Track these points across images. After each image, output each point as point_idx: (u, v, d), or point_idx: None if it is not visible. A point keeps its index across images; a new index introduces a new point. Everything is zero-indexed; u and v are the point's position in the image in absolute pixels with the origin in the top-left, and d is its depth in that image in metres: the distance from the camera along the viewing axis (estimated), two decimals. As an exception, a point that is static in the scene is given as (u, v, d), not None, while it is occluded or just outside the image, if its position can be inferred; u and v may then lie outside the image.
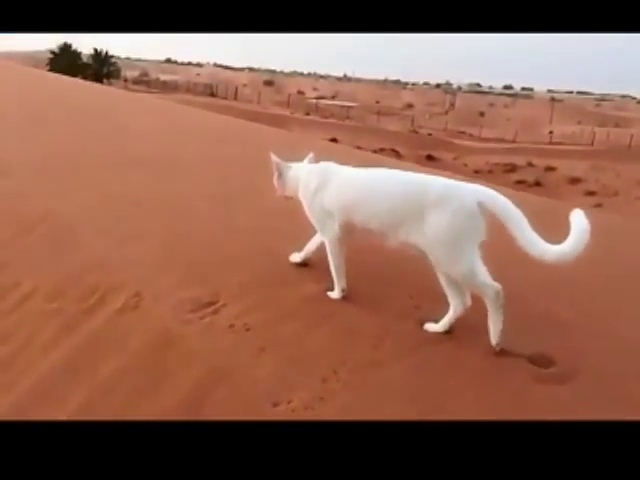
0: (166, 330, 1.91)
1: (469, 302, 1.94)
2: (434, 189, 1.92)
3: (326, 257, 2.14)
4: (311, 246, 2.31)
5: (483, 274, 1.86)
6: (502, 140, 35.36)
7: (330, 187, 2.12)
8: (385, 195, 1.99)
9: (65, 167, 3.26)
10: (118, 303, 2.07)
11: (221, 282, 2.17)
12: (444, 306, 1.95)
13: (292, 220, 2.30)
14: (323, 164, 2.23)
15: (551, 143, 34.45)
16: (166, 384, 1.73)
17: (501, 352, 1.84)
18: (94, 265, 2.31)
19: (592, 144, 34.34)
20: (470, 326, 1.93)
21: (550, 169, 23.97)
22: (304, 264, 2.34)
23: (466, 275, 1.88)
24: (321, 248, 2.19)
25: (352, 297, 2.10)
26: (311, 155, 2.35)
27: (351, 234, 2.10)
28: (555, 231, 1.81)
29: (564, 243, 1.76)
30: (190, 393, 1.67)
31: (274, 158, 2.28)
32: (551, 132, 39.62)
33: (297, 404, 1.58)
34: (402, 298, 2.16)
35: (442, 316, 1.95)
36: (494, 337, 1.85)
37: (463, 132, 39.14)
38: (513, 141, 35.06)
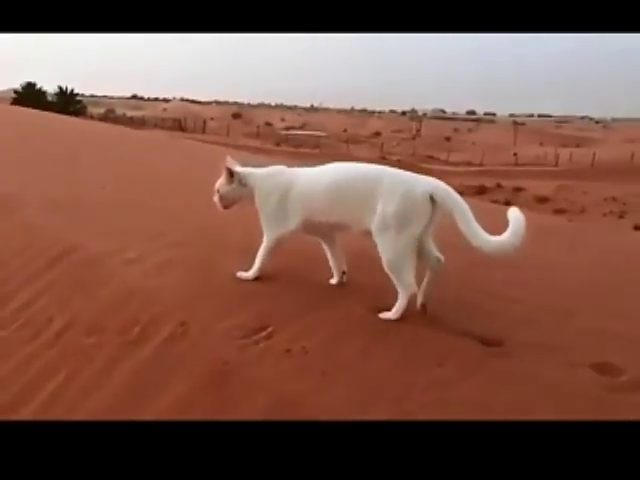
0: (221, 358, 1.84)
1: (441, 258, 2.09)
2: (389, 177, 2.05)
3: (365, 274, 2.18)
4: (335, 262, 2.30)
5: (409, 274, 2.00)
6: (470, 163, 36.13)
7: (293, 188, 2.19)
8: (346, 187, 2.09)
9: (82, 202, 3.17)
10: (164, 333, 2.00)
11: (265, 307, 2.11)
12: (500, 321, 1.94)
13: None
14: (277, 167, 2.32)
15: (517, 165, 35.31)
16: (232, 415, 1.66)
17: (568, 364, 1.83)
18: (128, 296, 2.23)
19: (556, 164, 35.33)
20: (536, 343, 1.92)
21: (518, 189, 24.52)
22: (341, 283, 2.31)
23: (392, 264, 2.01)
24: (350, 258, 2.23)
25: (403, 317, 2.06)
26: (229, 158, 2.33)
27: (308, 230, 2.23)
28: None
29: (502, 235, 1.90)
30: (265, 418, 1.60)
31: (231, 165, 2.26)
32: (515, 154, 40.63)
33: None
34: (454, 314, 2.14)
35: (498, 333, 1.93)
36: (394, 314, 2.02)
37: (431, 156, 39.86)
38: (480, 164, 35.82)
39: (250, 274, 2.30)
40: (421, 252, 2.07)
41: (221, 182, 2.27)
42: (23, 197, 3.10)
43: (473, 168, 31.97)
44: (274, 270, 2.35)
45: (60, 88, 42.09)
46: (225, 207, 2.29)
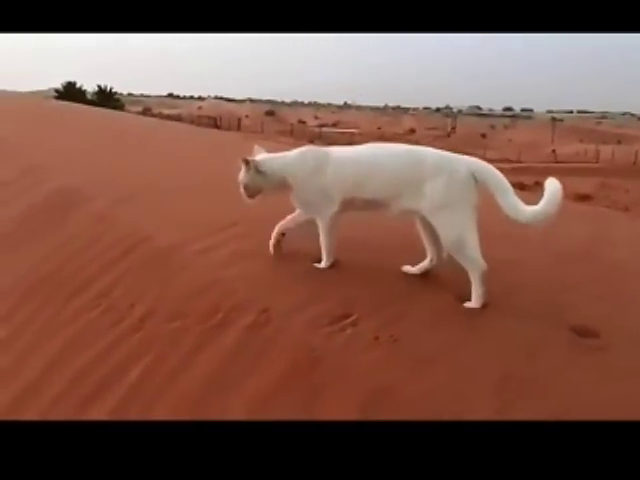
0: (308, 345, 1.83)
1: (444, 254, 2.14)
2: (430, 159, 2.08)
3: (443, 265, 2.15)
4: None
5: (474, 250, 2.00)
6: (507, 160, 35.42)
7: (329, 168, 2.18)
8: (387, 168, 2.11)
9: (148, 193, 3.20)
10: (247, 320, 1.99)
11: (346, 296, 2.09)
12: (591, 313, 1.87)
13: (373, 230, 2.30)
14: (310, 147, 2.32)
15: (556, 162, 34.57)
16: (324, 401, 1.64)
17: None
18: (206, 284, 2.23)
19: (597, 162, 34.44)
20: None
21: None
22: (422, 274, 2.27)
23: (453, 244, 2.03)
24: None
25: (492, 306, 2.02)
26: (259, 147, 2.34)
27: (347, 210, 2.22)
28: None
29: (537, 204, 1.92)
30: (355, 410, 1.58)
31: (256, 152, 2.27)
32: (554, 151, 39.79)
33: (480, 416, 1.49)
34: (544, 306, 2.08)
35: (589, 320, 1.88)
36: (475, 302, 2.01)
37: (467, 154, 39.26)
38: (518, 161, 35.15)
39: (323, 263, 2.28)
40: (431, 239, 2.17)
41: (241, 173, 2.26)
42: (91, 189, 3.14)
43: (510, 165, 31.39)
44: (348, 260, 2.32)
45: (99, 87, 42.95)
46: (250, 197, 2.28)
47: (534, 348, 1.80)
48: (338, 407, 1.61)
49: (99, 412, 1.87)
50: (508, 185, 2.00)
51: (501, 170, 2.11)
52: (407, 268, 2.28)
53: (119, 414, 1.84)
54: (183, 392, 1.83)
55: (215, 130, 19.13)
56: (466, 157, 2.11)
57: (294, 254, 2.41)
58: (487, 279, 2.00)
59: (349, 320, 1.93)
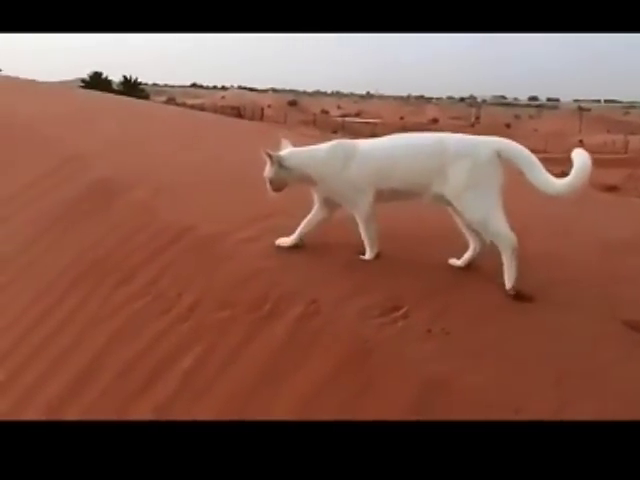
0: (361, 336, 1.82)
1: (487, 241, 2.13)
2: (453, 144, 2.12)
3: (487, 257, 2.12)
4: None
5: (501, 224, 2.02)
6: (533, 151, 34.72)
7: (355, 161, 2.20)
8: (412, 157, 2.15)
9: (186, 183, 3.22)
10: (296, 310, 2.00)
11: (394, 288, 2.08)
12: None
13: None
14: (340, 141, 2.32)
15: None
16: (378, 392, 1.64)
17: None
18: (252, 274, 2.24)
19: (626, 152, 33.75)
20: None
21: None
22: (466, 267, 2.25)
23: (482, 221, 2.06)
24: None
25: (541, 300, 1.99)
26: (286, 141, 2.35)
27: (379, 201, 2.23)
28: None
29: (567, 176, 1.96)
30: (409, 401, 1.58)
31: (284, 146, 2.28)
32: (581, 141, 39.06)
33: (539, 410, 1.48)
34: (594, 300, 2.05)
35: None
36: (508, 281, 2.02)
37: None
38: (544, 151, 34.63)
39: (368, 255, 2.28)
40: (469, 228, 2.18)
41: (267, 168, 2.27)
42: (129, 179, 3.17)
43: (537, 155, 30.87)
44: (391, 252, 2.31)
45: (125, 77, 43.31)
46: (275, 190, 2.29)
47: (588, 342, 1.78)
48: (392, 398, 1.61)
49: (151, 402, 1.89)
50: (536, 160, 2.03)
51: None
52: (453, 261, 2.27)
53: (171, 404, 1.86)
54: (235, 383, 1.84)
55: (241, 120, 19.18)
56: (490, 137, 2.15)
57: (336, 245, 2.41)
58: (518, 256, 2.01)
59: (400, 312, 1.92)
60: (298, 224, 2.37)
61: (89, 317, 2.28)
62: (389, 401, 1.60)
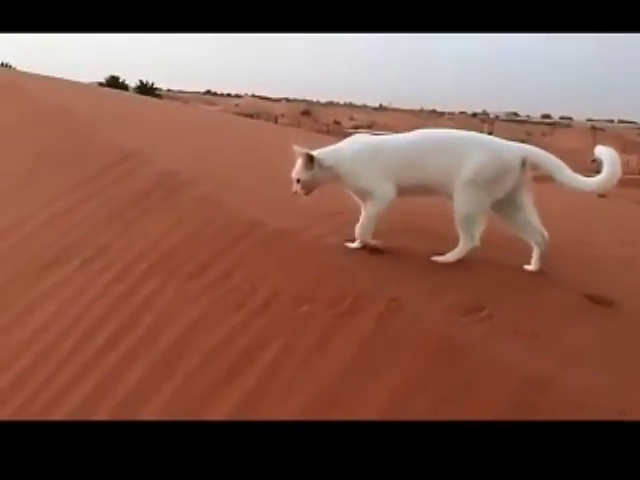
0: (448, 334, 1.83)
1: (545, 234, 2.20)
2: (479, 141, 2.23)
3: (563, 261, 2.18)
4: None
5: (477, 226, 2.19)
6: (546, 169, 34.90)
7: (381, 156, 2.24)
8: (436, 153, 2.20)
9: (247, 179, 3.25)
10: (377, 308, 2.00)
11: (474, 287, 2.09)
12: None
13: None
14: (362, 135, 2.42)
15: (597, 172, 33.88)
16: (476, 392, 1.64)
17: None
18: (327, 270, 2.25)
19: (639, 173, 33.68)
20: None
21: (601, 196, 23.51)
22: (539, 271, 2.25)
23: (467, 218, 2.17)
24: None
25: (624, 303, 2.00)
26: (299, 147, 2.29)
27: (402, 196, 2.28)
28: None
29: (600, 175, 2.11)
30: (510, 402, 1.58)
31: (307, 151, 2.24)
32: (594, 161, 38.95)
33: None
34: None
35: None
36: (448, 257, 2.22)
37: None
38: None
39: (355, 244, 2.31)
40: (525, 227, 2.23)
41: (299, 170, 2.25)
42: (193, 175, 3.20)
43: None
44: (468, 254, 2.31)
45: (141, 82, 43.71)
46: (307, 194, 2.29)
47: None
48: (491, 397, 1.60)
49: (232, 397, 1.87)
50: (561, 162, 2.16)
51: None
52: (527, 267, 2.27)
53: (253, 399, 1.85)
54: (319, 380, 1.82)
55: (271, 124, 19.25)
56: (517, 144, 2.27)
57: (408, 245, 2.42)
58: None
59: (484, 313, 1.93)
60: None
61: (163, 310, 2.29)
62: (488, 400, 1.59)
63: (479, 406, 1.59)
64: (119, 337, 2.23)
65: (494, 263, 2.31)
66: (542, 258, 2.24)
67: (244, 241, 2.50)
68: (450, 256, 2.24)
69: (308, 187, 2.27)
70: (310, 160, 2.23)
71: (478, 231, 2.21)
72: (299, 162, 2.25)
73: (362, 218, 2.30)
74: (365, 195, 2.30)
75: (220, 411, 1.86)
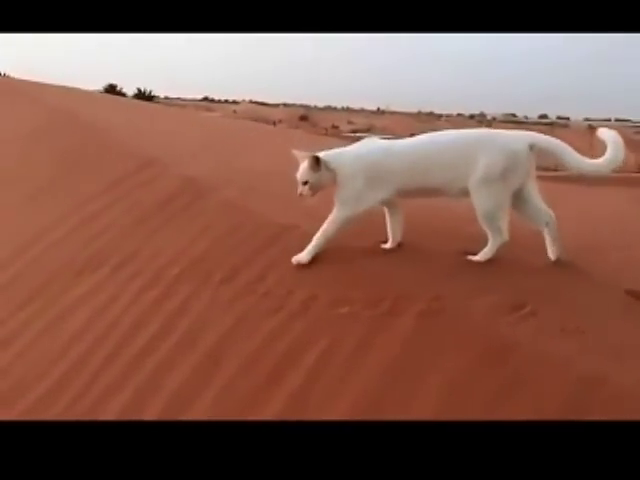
0: (495, 332, 1.82)
1: (552, 213, 2.24)
2: (487, 135, 2.26)
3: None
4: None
5: (502, 220, 2.19)
6: (545, 169, 34.94)
7: (389, 160, 2.25)
8: (445, 155, 2.22)
9: (270, 184, 3.24)
10: (418, 307, 1.99)
11: (515, 286, 2.09)
12: None
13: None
14: (372, 139, 2.37)
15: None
16: (527, 390, 1.63)
17: None
18: (363, 272, 2.24)
19: (638, 171, 33.80)
20: None
21: (600, 196, 23.56)
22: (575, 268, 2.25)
23: (491, 215, 2.18)
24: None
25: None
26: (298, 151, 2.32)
27: (405, 198, 2.32)
28: None
29: (605, 156, 2.13)
30: (563, 400, 1.57)
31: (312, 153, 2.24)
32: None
33: None
34: None
35: None
36: (481, 257, 2.22)
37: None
38: (555, 169, 34.64)
39: (305, 258, 2.29)
40: (534, 212, 2.26)
41: (305, 173, 2.26)
42: (213, 180, 3.18)
43: (548, 173, 31.03)
44: (504, 254, 2.31)
45: (139, 90, 43.69)
46: (312, 195, 2.30)
47: None
48: (545, 396, 1.59)
49: (277, 401, 1.87)
50: (567, 145, 2.21)
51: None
52: (550, 256, 2.29)
53: (300, 400, 1.84)
54: (365, 380, 1.82)
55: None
56: (522, 132, 2.28)
57: (437, 246, 2.41)
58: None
59: (526, 310, 1.92)
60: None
61: (199, 313, 2.27)
62: (542, 399, 1.59)
63: (533, 405, 1.58)
64: (156, 343, 2.22)
65: (528, 263, 2.31)
66: (556, 241, 2.26)
67: (275, 245, 2.49)
68: (483, 254, 2.25)
69: (315, 189, 2.29)
70: (316, 162, 2.24)
71: (505, 225, 2.21)
72: (304, 165, 2.26)
73: (325, 228, 2.28)
74: (342, 200, 2.28)
75: (265, 415, 1.85)
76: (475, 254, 2.27)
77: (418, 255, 2.32)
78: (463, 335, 1.85)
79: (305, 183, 2.27)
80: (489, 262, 2.24)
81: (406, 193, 2.31)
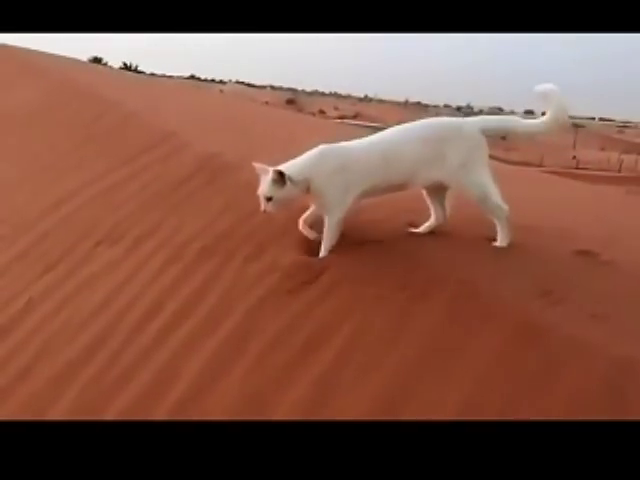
0: (525, 315, 1.85)
1: (448, 213, 2.39)
2: (440, 128, 2.31)
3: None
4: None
5: (495, 196, 2.25)
6: (529, 164, 35.27)
7: (353, 163, 2.22)
8: (413, 147, 2.25)
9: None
10: (447, 291, 2.01)
11: (539, 273, 2.13)
12: None
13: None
14: (327, 146, 2.25)
15: (577, 168, 34.31)
16: (565, 373, 1.65)
17: None
18: (391, 254, 2.27)
19: (620, 170, 34.24)
20: None
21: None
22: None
23: (481, 196, 2.25)
24: None
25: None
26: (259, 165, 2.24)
27: (368, 197, 2.33)
28: None
29: (547, 115, 2.24)
30: (600, 381, 1.61)
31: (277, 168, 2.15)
32: (574, 157, 39.43)
33: None
34: None
35: None
36: (504, 241, 2.28)
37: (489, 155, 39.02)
38: (540, 165, 34.90)
39: (321, 254, 2.29)
40: (436, 202, 2.37)
41: (268, 188, 2.14)
42: (233, 157, 3.16)
43: (533, 169, 31.30)
44: (524, 241, 2.36)
45: (124, 64, 43.01)
46: (277, 211, 2.25)
47: None
48: (580, 381, 1.62)
49: (306, 379, 1.87)
50: (512, 117, 2.39)
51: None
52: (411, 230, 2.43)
53: (330, 379, 1.85)
54: (396, 364, 1.81)
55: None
56: (471, 118, 2.39)
57: (468, 232, 2.45)
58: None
59: (554, 296, 1.96)
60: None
61: (223, 290, 2.27)
62: (577, 383, 1.61)
63: (569, 390, 1.61)
64: (179, 320, 2.21)
65: (553, 251, 2.35)
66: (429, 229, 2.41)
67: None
68: (502, 239, 2.29)
69: (283, 204, 2.20)
70: (280, 177, 2.13)
71: (499, 197, 2.26)
72: (268, 179, 2.14)
73: (326, 233, 2.27)
74: (326, 207, 2.27)
75: (294, 394, 1.85)
76: (495, 240, 2.31)
77: (447, 240, 2.34)
78: (496, 318, 1.87)
79: (269, 199, 2.16)
80: (516, 249, 2.28)
81: (373, 192, 2.31)
